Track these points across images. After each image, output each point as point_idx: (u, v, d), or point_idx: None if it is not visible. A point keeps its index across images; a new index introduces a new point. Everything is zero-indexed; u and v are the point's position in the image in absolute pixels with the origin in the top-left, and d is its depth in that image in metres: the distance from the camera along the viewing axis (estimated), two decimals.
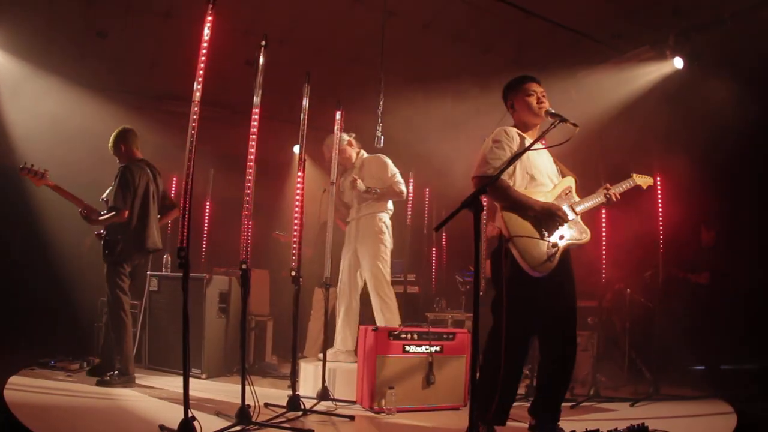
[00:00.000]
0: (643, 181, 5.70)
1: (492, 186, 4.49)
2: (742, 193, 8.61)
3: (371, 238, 7.65)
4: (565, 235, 4.96)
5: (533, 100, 5.19)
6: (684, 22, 8.44)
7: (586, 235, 5.11)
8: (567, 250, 5.01)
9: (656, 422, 5.84)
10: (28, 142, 9.09)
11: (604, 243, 8.12)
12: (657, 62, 8.93)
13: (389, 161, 7.86)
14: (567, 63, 9.16)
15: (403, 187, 7.78)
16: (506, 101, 5.40)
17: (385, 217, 7.77)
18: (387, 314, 7.42)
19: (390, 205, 7.85)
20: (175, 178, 10.80)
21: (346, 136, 7.94)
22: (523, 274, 4.77)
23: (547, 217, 4.89)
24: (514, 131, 5.15)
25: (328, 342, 7.31)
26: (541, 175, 5.13)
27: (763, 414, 6.61)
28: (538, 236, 4.86)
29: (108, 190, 7.50)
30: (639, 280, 8.92)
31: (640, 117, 9.24)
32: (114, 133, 7.51)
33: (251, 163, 5.49)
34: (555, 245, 4.88)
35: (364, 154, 8.09)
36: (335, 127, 7.23)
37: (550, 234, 4.90)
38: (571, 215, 5.05)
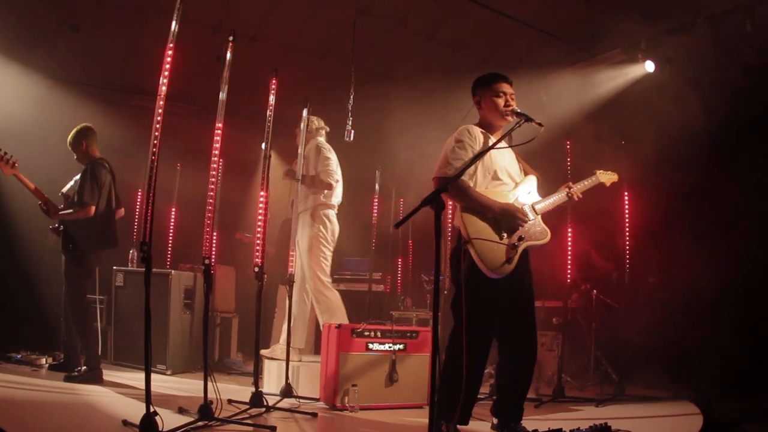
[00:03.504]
0: (607, 178, 5.64)
1: (452, 186, 4.45)
2: (709, 195, 8.65)
3: (305, 234, 7.61)
4: (524, 236, 4.92)
5: (501, 102, 5.11)
6: (656, 25, 8.48)
7: (546, 236, 5.07)
8: (526, 250, 4.99)
9: (621, 422, 5.87)
10: None
11: (569, 243, 8.11)
12: (628, 65, 8.98)
13: (327, 151, 7.73)
14: (538, 64, 9.19)
15: (331, 179, 7.58)
16: (474, 97, 5.33)
17: (324, 212, 7.65)
18: (325, 315, 7.38)
19: (330, 200, 7.71)
20: (141, 173, 10.73)
21: (316, 123, 7.91)
22: (482, 276, 4.75)
23: (507, 218, 4.85)
24: (477, 130, 5.11)
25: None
26: (503, 174, 5.09)
27: (729, 415, 6.64)
28: (497, 238, 4.83)
29: (69, 185, 7.50)
30: (605, 281, 8.96)
31: (610, 120, 9.29)
32: (75, 130, 7.49)
33: (216, 159, 5.47)
34: (514, 246, 4.85)
35: (317, 141, 7.93)
36: (302, 124, 7.22)
37: (510, 235, 4.87)
38: (531, 215, 5.01)
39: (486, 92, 5.21)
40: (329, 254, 7.64)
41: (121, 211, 7.81)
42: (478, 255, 4.74)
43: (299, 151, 7.25)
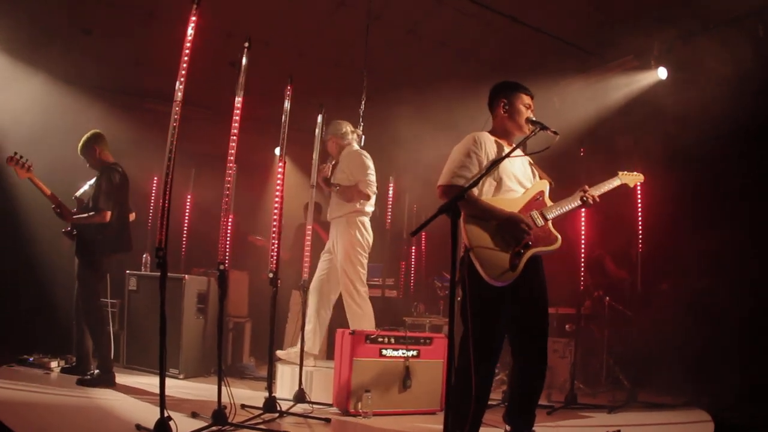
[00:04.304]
0: (631, 179, 5.46)
1: (462, 197, 4.36)
2: (722, 201, 8.63)
3: (342, 241, 7.49)
4: (531, 243, 4.83)
5: (526, 113, 5.03)
6: (669, 32, 8.47)
7: (555, 242, 4.95)
8: (536, 257, 4.91)
9: (633, 429, 5.88)
10: (7, 136, 9.01)
11: (583, 249, 8.10)
12: (641, 72, 8.96)
13: (367, 160, 7.59)
14: (551, 70, 9.17)
15: (369, 190, 7.43)
16: (497, 100, 5.16)
17: (359, 219, 7.53)
18: (356, 323, 7.27)
19: (366, 207, 7.60)
20: (156, 177, 10.75)
21: (341, 128, 7.81)
22: (485, 284, 4.69)
23: (511, 227, 4.76)
24: (486, 137, 5.01)
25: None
26: (511, 181, 4.97)
27: (741, 422, 6.62)
28: (500, 246, 4.73)
29: (82, 189, 7.52)
30: (618, 288, 8.95)
31: (622, 126, 9.28)
32: (85, 137, 7.50)
33: (231, 164, 5.48)
34: (519, 253, 4.80)
35: (353, 148, 7.81)
36: (317, 130, 7.22)
37: (515, 242, 4.77)
38: (539, 222, 4.93)
39: (514, 99, 5.08)
40: (365, 262, 7.51)
41: (133, 215, 7.84)
42: (480, 263, 4.67)
43: (314, 156, 7.25)
